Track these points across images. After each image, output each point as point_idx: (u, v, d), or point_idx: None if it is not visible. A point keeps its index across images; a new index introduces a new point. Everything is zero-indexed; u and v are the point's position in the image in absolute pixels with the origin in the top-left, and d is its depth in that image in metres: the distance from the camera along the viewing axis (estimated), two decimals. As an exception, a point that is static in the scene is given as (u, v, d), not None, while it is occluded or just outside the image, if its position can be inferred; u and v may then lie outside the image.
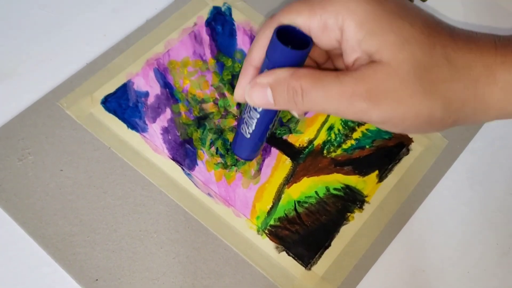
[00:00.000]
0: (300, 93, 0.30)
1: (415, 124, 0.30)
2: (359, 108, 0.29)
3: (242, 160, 0.44)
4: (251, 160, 0.43)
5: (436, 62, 0.29)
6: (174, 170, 0.43)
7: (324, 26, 0.30)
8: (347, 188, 0.44)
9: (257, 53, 0.32)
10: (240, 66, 0.49)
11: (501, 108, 0.30)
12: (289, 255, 0.41)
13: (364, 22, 0.29)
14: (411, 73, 0.28)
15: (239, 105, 0.47)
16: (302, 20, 0.31)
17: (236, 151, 0.42)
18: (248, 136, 0.38)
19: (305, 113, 0.37)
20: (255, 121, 0.36)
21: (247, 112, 0.36)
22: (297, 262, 0.41)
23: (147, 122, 0.45)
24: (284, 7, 0.32)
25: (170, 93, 0.47)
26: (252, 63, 0.33)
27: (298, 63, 0.31)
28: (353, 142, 0.46)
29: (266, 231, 0.42)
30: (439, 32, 0.29)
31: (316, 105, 0.30)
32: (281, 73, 0.30)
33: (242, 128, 0.38)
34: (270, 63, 0.31)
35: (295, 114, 0.34)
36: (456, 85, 0.29)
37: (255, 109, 0.35)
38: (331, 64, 0.36)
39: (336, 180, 0.44)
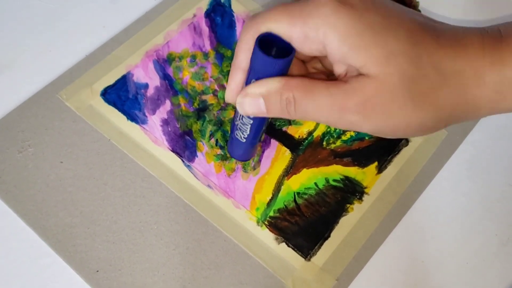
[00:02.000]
0: (293, 103, 0.30)
1: (407, 133, 0.30)
2: (349, 121, 0.29)
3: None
4: (248, 160, 0.44)
5: (423, 72, 0.28)
6: (174, 161, 0.43)
7: (305, 37, 0.29)
8: (347, 180, 0.44)
9: (243, 56, 0.32)
10: (239, 57, 0.49)
11: (492, 107, 0.30)
12: (288, 246, 0.41)
13: (346, 37, 0.28)
14: (399, 85, 0.28)
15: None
16: (282, 29, 0.30)
17: (233, 154, 0.42)
18: (244, 140, 0.38)
19: None
20: (249, 126, 0.36)
21: (239, 118, 0.36)
22: (297, 253, 0.41)
23: (146, 114, 0.45)
24: (264, 13, 0.30)
25: (169, 85, 0.47)
26: (239, 66, 0.33)
27: (283, 70, 0.31)
28: (352, 133, 0.46)
29: (266, 222, 0.42)
30: (424, 39, 0.29)
31: (308, 115, 0.30)
32: (273, 84, 0.30)
33: (236, 134, 0.38)
34: (255, 72, 0.31)
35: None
36: (446, 93, 0.29)
37: (248, 116, 0.35)
38: (319, 62, 0.35)
39: (336, 171, 0.44)
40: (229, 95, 0.34)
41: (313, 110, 0.30)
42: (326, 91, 0.29)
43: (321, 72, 0.34)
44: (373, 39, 0.28)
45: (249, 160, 0.44)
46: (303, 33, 0.29)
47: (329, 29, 0.28)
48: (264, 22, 0.30)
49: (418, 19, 0.30)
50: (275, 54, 0.31)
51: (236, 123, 0.37)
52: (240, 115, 0.36)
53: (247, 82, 0.32)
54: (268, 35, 0.30)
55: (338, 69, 0.31)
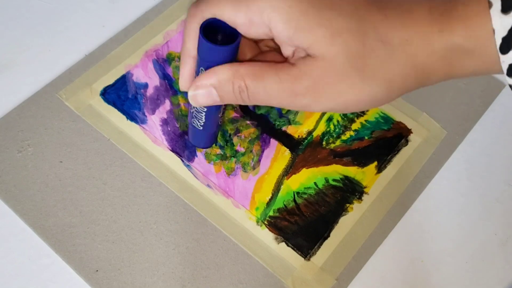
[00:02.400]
0: (245, 90, 0.30)
1: (359, 107, 0.30)
2: (300, 104, 0.30)
3: (241, 152, 0.44)
4: (210, 146, 0.43)
5: (371, 47, 0.28)
6: (173, 161, 0.43)
7: (250, 22, 0.29)
8: (346, 179, 0.44)
9: (190, 44, 0.32)
10: (239, 57, 0.49)
11: (444, 73, 0.30)
12: (288, 245, 0.41)
13: (291, 19, 0.28)
14: (347, 64, 0.28)
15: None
16: (226, 15, 0.29)
17: (194, 142, 0.42)
18: (201, 128, 0.38)
19: None
20: (203, 114, 0.36)
21: (193, 107, 0.36)
22: (296, 252, 0.41)
23: (146, 113, 0.45)
24: None
25: (169, 85, 0.47)
26: (189, 54, 0.32)
27: (231, 56, 0.31)
28: (352, 133, 0.46)
29: (266, 222, 0.42)
30: (370, 12, 0.29)
31: (261, 100, 0.30)
32: (223, 73, 0.30)
33: (193, 122, 0.38)
34: (203, 61, 0.31)
35: None
36: (395, 64, 0.29)
37: None
38: (271, 40, 0.34)
39: (335, 171, 0.44)
40: (182, 84, 0.34)
41: (265, 96, 0.30)
42: (276, 77, 0.29)
43: (274, 50, 0.34)
44: (318, 18, 0.28)
45: (210, 147, 0.43)
46: (248, 18, 0.29)
47: (273, 12, 0.28)
48: (208, 8, 0.30)
49: None
50: (222, 39, 0.31)
51: (192, 110, 0.37)
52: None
53: (197, 70, 0.32)
54: (213, 21, 0.30)
55: (286, 51, 0.31)
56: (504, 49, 0.27)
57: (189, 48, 0.32)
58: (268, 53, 0.33)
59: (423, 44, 0.29)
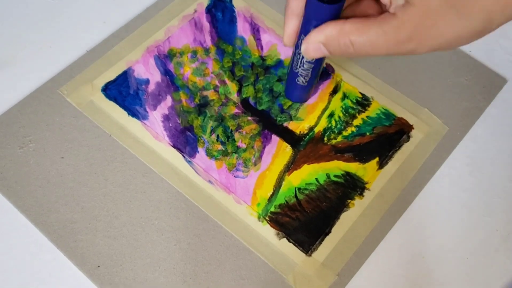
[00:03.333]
0: (350, 46, 0.32)
1: (461, 42, 0.31)
2: (406, 50, 0.31)
3: (243, 148, 0.44)
4: (308, 100, 0.46)
5: None
6: (175, 157, 0.43)
7: None
8: (348, 175, 0.44)
9: (295, 3, 0.34)
10: (240, 53, 0.49)
11: None
12: (289, 241, 0.41)
13: None
14: (443, 4, 0.29)
15: (239, 92, 0.47)
16: None
17: (295, 99, 0.44)
18: (306, 84, 0.40)
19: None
20: (310, 71, 0.39)
21: (300, 66, 0.38)
22: (298, 248, 0.41)
23: (147, 109, 0.45)
24: None
25: (170, 81, 0.47)
26: (294, 13, 0.35)
27: (337, 14, 0.33)
28: (353, 129, 0.46)
29: (267, 218, 0.42)
30: None
31: (367, 53, 0.32)
32: (330, 31, 0.32)
33: (298, 80, 0.40)
34: (311, 19, 0.33)
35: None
36: None
37: (309, 62, 0.38)
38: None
39: (337, 167, 0.44)
40: (287, 40, 0.37)
41: (371, 49, 0.32)
42: (380, 30, 0.31)
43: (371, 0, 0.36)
44: None
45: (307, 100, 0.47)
46: None
47: None
48: None
49: None
50: (328, 3, 0.33)
51: (297, 71, 0.39)
52: (301, 63, 0.38)
53: (304, 27, 0.35)
54: None
55: (384, 0, 0.32)
56: None
57: (294, 7, 0.35)
58: (364, 1, 0.35)
59: None
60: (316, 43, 0.33)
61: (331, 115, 0.47)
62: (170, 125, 0.45)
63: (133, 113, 0.45)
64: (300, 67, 0.39)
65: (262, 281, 0.40)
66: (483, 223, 0.44)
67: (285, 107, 0.47)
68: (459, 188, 0.45)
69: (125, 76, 0.46)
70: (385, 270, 0.41)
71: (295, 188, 0.43)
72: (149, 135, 0.44)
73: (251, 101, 0.47)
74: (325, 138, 0.46)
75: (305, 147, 0.45)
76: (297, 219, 0.42)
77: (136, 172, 0.43)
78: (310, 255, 0.41)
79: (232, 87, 0.47)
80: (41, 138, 0.43)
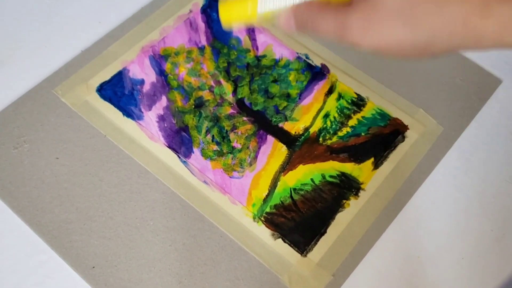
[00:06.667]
0: (309, 23, 0.33)
1: (402, 53, 0.31)
2: (351, 36, 0.32)
3: (238, 148, 0.44)
4: None
5: (423, 0, 0.30)
6: (170, 157, 0.43)
7: None
8: (343, 176, 0.44)
9: None
10: (235, 53, 0.49)
11: (496, 39, 0.30)
12: (285, 242, 0.41)
13: None
14: (394, 8, 0.30)
15: (234, 92, 0.47)
16: None
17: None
18: None
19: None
20: None
21: None
22: (293, 249, 0.41)
23: (142, 109, 0.45)
24: None
25: (165, 81, 0.47)
26: None
27: None
28: (348, 129, 0.46)
29: (262, 218, 0.42)
30: None
31: (320, 33, 0.33)
32: (301, 4, 0.33)
33: None
34: None
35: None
36: (443, 20, 0.30)
37: None
38: None
39: (332, 167, 0.45)
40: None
41: (322, 30, 0.33)
42: (334, 13, 0.32)
43: None
44: None
45: None
46: None
47: None
48: None
49: None
50: None
51: None
52: None
53: None
54: None
55: None
56: None
57: None
58: None
59: (480, 5, 0.29)
60: (288, 11, 0.34)
61: (326, 116, 0.47)
62: (165, 125, 0.45)
63: (128, 114, 0.45)
64: None
65: (257, 281, 0.40)
66: (478, 223, 0.44)
67: (280, 108, 0.47)
68: (454, 188, 0.45)
69: (120, 76, 0.46)
70: (380, 270, 0.41)
71: (290, 188, 0.43)
72: (144, 136, 0.44)
73: (246, 102, 0.47)
74: (321, 139, 0.46)
75: (301, 148, 0.45)
76: (292, 219, 0.42)
77: (131, 173, 0.43)
78: (305, 256, 0.41)
79: (228, 87, 0.47)
80: (36, 138, 0.43)
